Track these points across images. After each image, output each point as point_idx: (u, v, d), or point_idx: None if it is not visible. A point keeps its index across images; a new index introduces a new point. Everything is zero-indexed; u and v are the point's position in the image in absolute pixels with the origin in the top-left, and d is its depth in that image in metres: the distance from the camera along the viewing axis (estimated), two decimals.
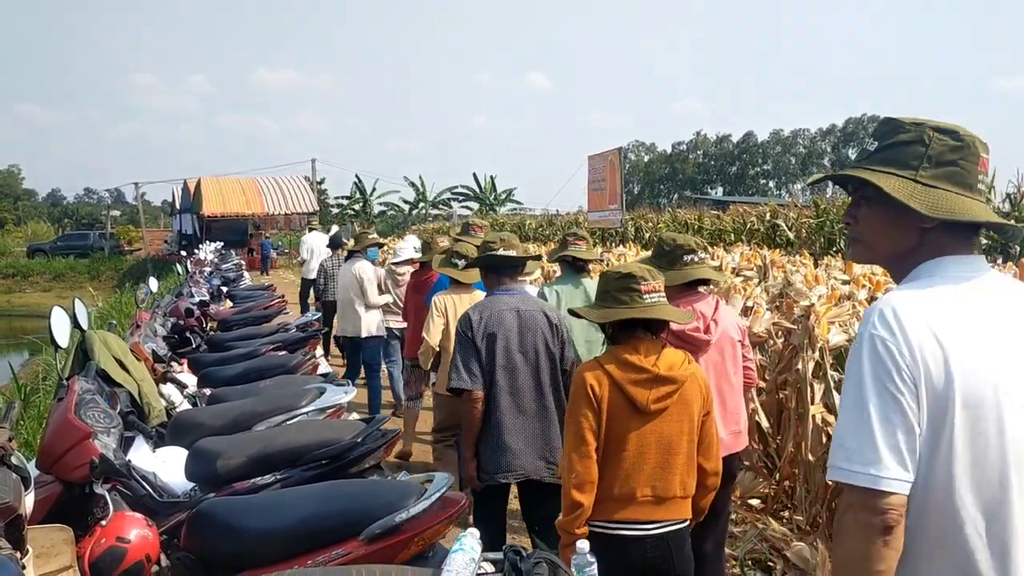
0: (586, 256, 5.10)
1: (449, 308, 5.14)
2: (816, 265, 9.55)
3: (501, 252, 4.09)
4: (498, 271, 4.11)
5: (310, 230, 16.48)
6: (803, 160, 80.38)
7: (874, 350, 1.58)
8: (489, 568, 2.24)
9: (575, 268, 5.12)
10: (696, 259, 3.64)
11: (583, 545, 2.40)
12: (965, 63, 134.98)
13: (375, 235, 9.50)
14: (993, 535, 1.55)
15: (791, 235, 17.46)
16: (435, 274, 5.94)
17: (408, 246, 8.06)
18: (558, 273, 5.73)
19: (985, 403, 1.54)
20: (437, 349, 5.15)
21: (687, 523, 2.93)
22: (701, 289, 3.72)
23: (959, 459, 1.54)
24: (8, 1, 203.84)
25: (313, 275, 13.10)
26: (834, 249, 14.91)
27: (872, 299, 5.87)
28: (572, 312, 3.23)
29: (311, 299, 13.19)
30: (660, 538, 2.85)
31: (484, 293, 4.33)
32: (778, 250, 14.32)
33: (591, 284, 4.79)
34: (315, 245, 14.18)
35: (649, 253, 3.86)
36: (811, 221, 17.34)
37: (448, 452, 5.13)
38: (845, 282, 6.24)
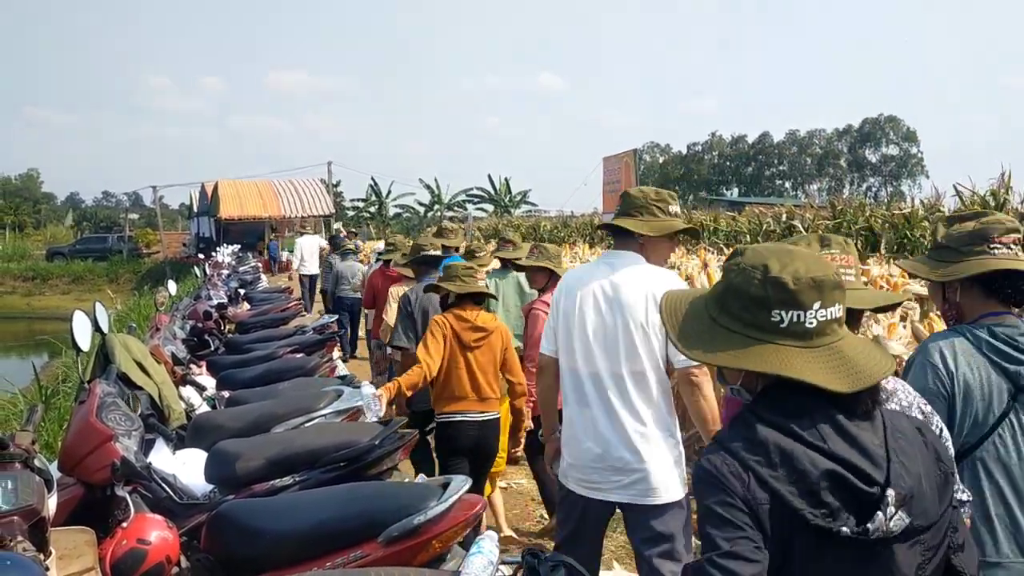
0: (510, 256, 6.44)
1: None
2: None
3: (431, 252, 5.82)
4: (426, 263, 5.84)
5: (301, 234, 19.06)
6: (819, 161, 79.95)
7: (553, 297, 3.45)
8: (507, 571, 2.25)
9: (504, 263, 6.56)
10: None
11: (370, 389, 4.29)
12: (981, 62, 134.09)
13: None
14: (575, 379, 3.22)
15: None
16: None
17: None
18: None
19: (573, 316, 3.21)
20: (392, 326, 6.42)
21: (498, 416, 4.67)
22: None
23: (562, 341, 3.27)
24: (23, 6, 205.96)
25: (307, 271, 16.07)
26: None
27: None
28: (432, 288, 4.95)
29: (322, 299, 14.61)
30: (481, 423, 4.58)
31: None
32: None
33: (520, 275, 6.10)
34: (308, 246, 16.43)
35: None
36: (827, 222, 17.21)
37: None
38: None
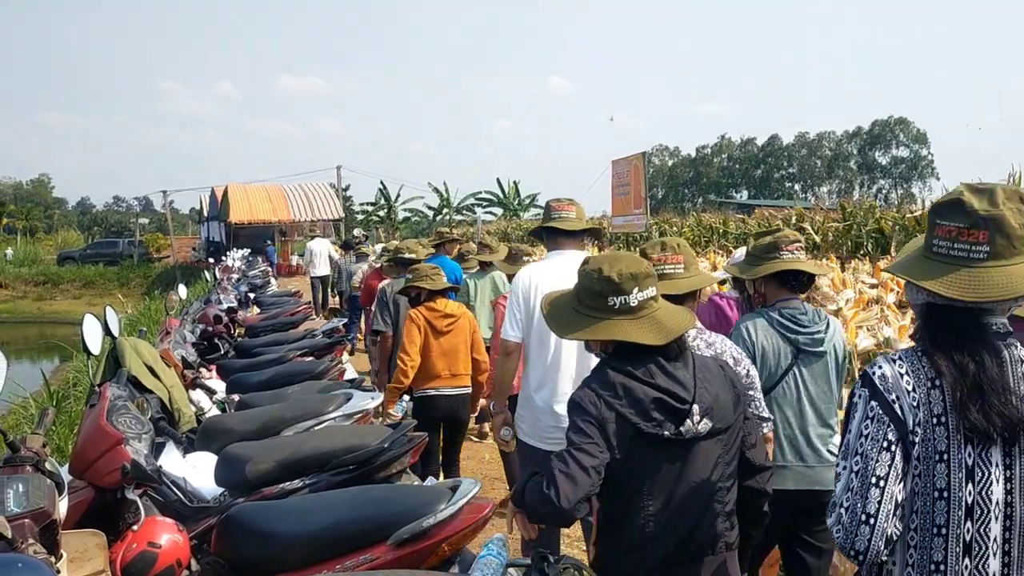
0: (487, 259, 7.56)
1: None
2: (843, 269, 9.47)
3: (406, 255, 6.78)
4: (402, 264, 6.69)
5: (312, 237, 20.94)
6: (829, 163, 79.76)
7: (512, 290, 4.00)
8: (516, 574, 2.24)
9: (483, 264, 7.59)
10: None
11: (406, 397, 5.22)
12: (993, 62, 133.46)
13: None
14: (544, 355, 3.82)
15: (817, 239, 17.25)
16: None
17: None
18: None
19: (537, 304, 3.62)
20: None
21: (468, 390, 5.42)
22: None
23: (533, 329, 3.83)
24: (36, 11, 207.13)
25: (318, 272, 16.55)
26: (861, 252, 14.75)
27: (900, 302, 5.82)
28: (403, 291, 5.63)
29: (331, 298, 16.62)
30: (453, 396, 5.35)
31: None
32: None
33: (497, 275, 7.31)
34: (317, 249, 17.07)
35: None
36: (838, 224, 17.13)
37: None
38: (872, 286, 6.19)
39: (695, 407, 2.31)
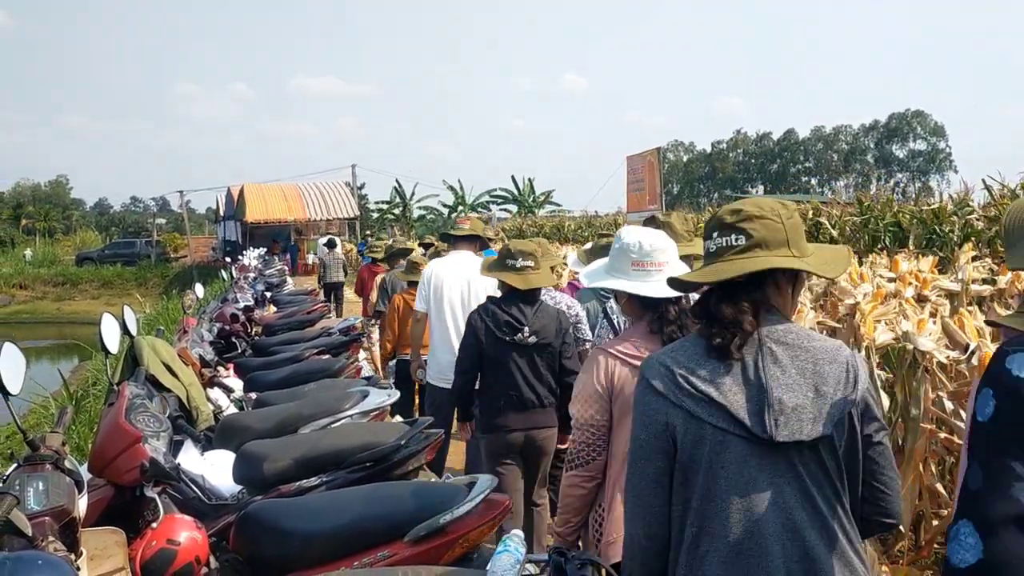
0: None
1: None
2: (861, 263, 9.38)
3: (400, 247, 8.47)
4: (396, 255, 8.39)
5: (326, 235, 24.25)
6: (845, 157, 79.22)
7: (423, 277, 5.78)
8: (533, 570, 2.23)
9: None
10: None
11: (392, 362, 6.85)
12: (1005, 57, 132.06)
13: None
14: (455, 319, 5.54)
15: (834, 233, 17.10)
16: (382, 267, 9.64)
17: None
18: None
19: (447, 293, 5.59)
20: (374, 302, 8.79)
21: None
22: None
23: (434, 304, 5.61)
24: (51, 14, 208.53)
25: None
26: (879, 246, 14.62)
27: (919, 296, 5.76)
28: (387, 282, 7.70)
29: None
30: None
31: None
32: None
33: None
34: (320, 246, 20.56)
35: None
36: (855, 218, 16.97)
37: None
38: (891, 280, 6.11)
39: (526, 328, 4.18)
